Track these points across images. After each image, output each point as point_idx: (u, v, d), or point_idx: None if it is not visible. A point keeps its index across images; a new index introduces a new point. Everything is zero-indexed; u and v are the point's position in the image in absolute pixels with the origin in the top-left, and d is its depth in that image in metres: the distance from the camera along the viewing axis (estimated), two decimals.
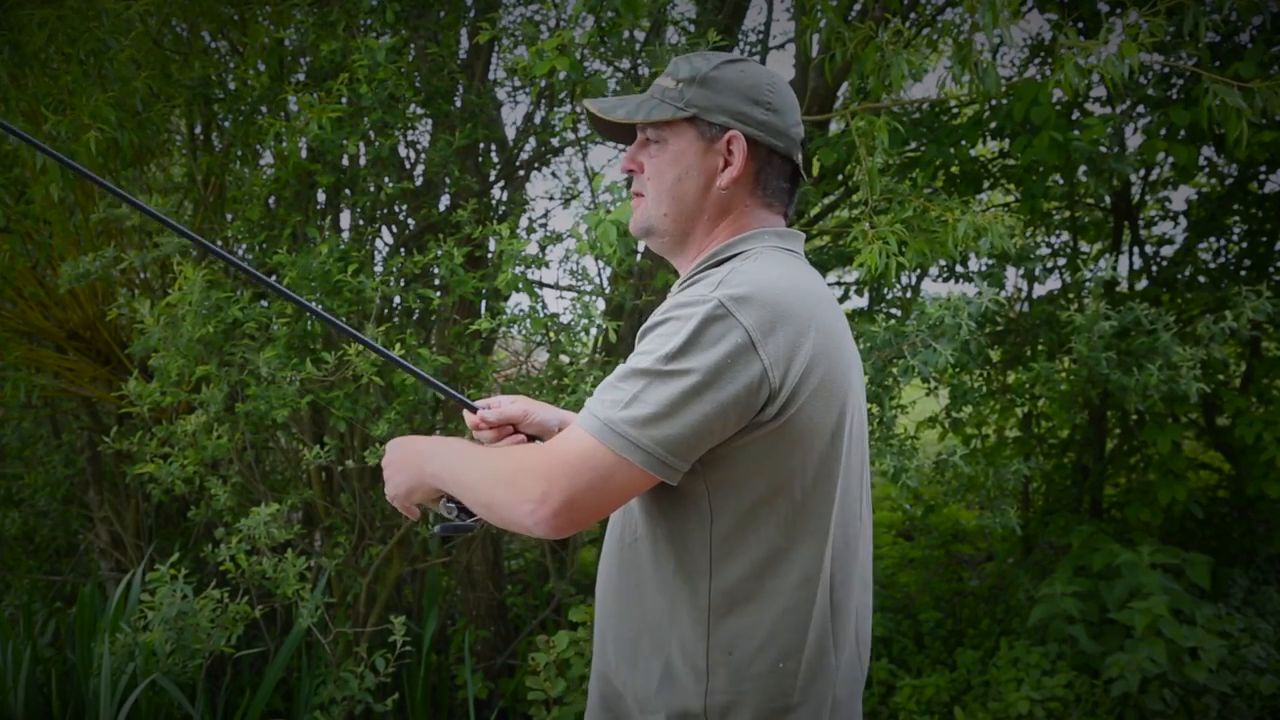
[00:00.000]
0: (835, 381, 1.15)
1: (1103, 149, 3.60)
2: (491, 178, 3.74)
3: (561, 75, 2.67)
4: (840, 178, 4.03)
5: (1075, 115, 3.64)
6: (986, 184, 4.36)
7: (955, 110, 4.10)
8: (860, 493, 1.25)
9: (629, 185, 1.42)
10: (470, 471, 1.21)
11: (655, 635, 1.20)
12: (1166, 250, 4.83)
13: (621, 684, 1.25)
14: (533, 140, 3.82)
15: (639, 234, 1.33)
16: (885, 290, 4.31)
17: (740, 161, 1.24)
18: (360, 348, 2.65)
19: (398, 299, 3.31)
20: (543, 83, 3.09)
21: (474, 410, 1.43)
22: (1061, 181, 4.23)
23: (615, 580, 1.27)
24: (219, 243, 3.62)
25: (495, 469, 1.18)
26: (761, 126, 1.24)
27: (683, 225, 1.28)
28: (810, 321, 1.13)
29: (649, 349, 1.12)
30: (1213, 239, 4.61)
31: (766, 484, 1.14)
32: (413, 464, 1.29)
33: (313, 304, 1.63)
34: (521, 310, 3.02)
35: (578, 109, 3.38)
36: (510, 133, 3.84)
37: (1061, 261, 4.47)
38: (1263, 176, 4.39)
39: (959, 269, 4.06)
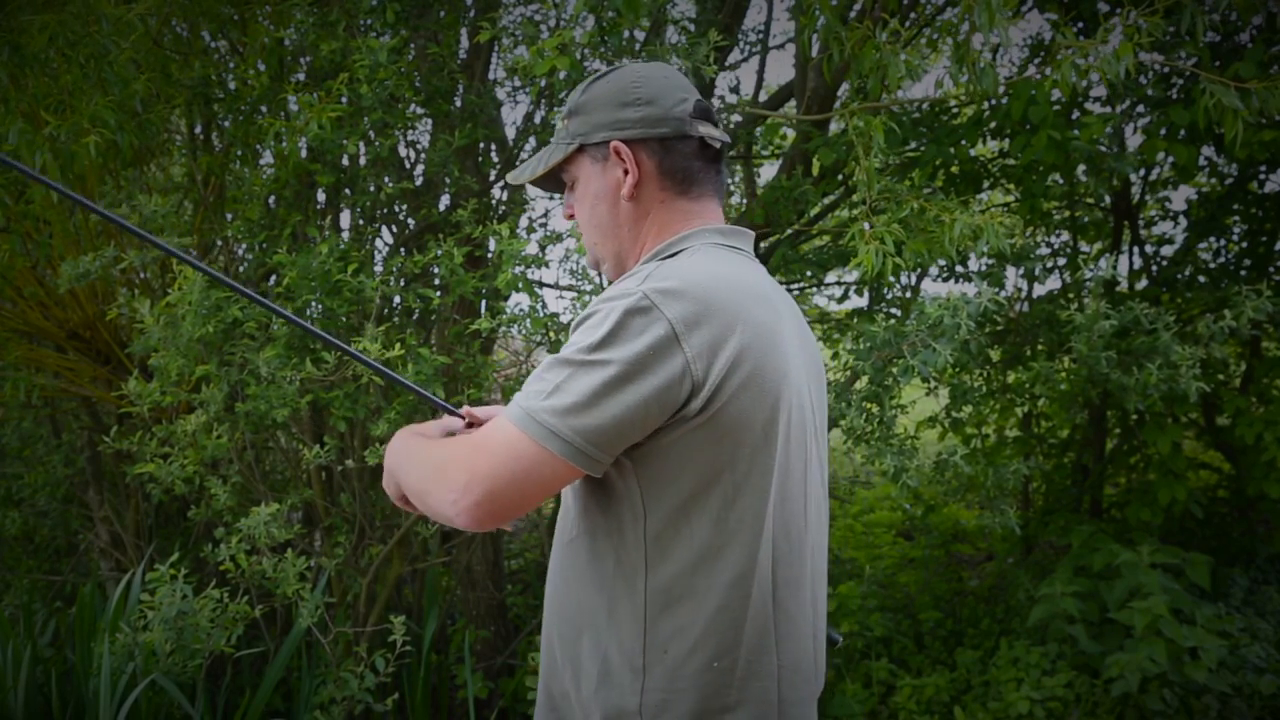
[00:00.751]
0: (767, 378, 1.14)
1: (1102, 148, 3.60)
2: (491, 177, 3.74)
3: (562, 75, 2.68)
4: (840, 177, 4.03)
5: (1075, 115, 3.65)
6: (986, 184, 4.36)
7: (955, 110, 4.10)
8: (803, 492, 1.22)
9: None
10: (411, 463, 1.23)
11: (594, 634, 1.20)
12: (1166, 250, 4.83)
13: (564, 684, 1.25)
14: (533, 140, 3.82)
15: (594, 269, 1.39)
16: (885, 290, 4.30)
17: (632, 165, 1.25)
18: (360, 349, 2.65)
19: (398, 299, 3.31)
20: (543, 82, 3.09)
21: (461, 418, 1.44)
22: (1061, 181, 4.23)
23: (558, 580, 1.28)
24: (219, 242, 3.63)
25: (430, 459, 1.20)
26: (638, 124, 1.25)
27: (613, 246, 1.32)
28: (739, 316, 1.13)
29: (575, 340, 1.13)
30: (1213, 239, 4.61)
31: (696, 480, 1.14)
32: (387, 461, 1.33)
33: (288, 311, 1.63)
34: (521, 310, 3.02)
35: None
36: (510, 133, 3.84)
37: (1061, 261, 4.47)
38: (1263, 176, 4.39)
39: (959, 269, 4.05)
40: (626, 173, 1.26)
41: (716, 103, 4.39)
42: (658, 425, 1.12)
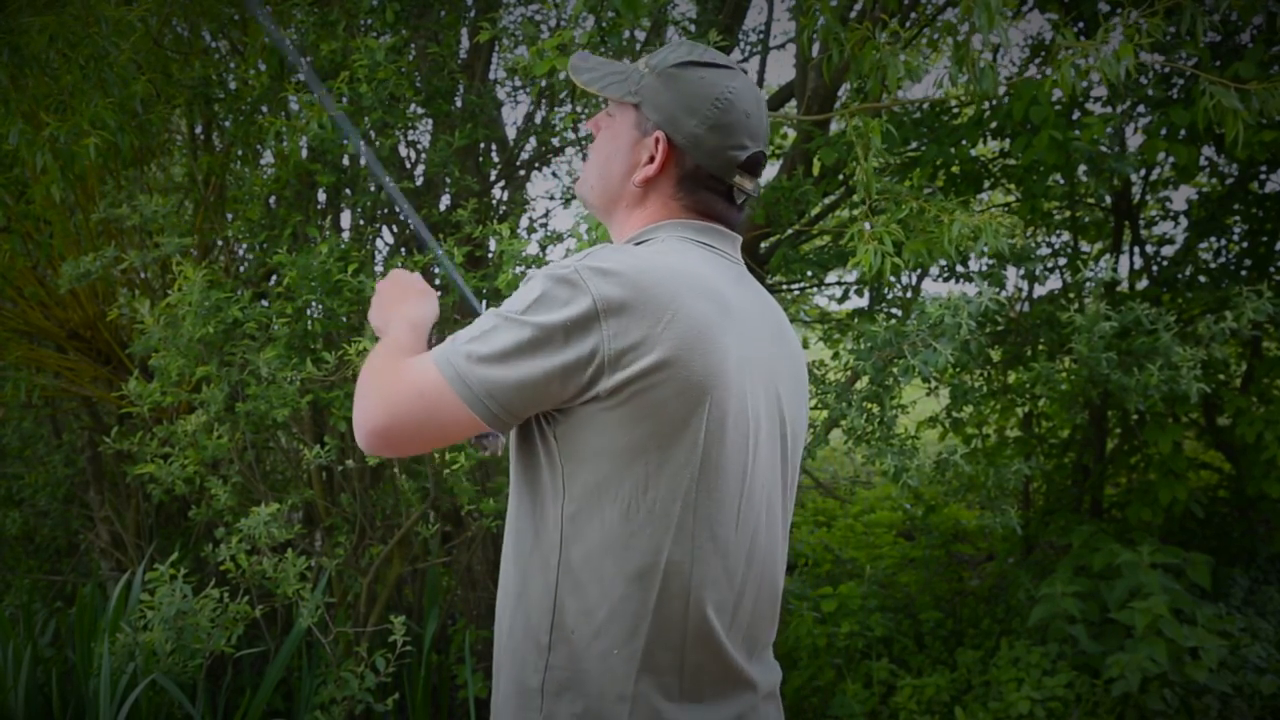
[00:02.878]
0: (693, 373, 1.11)
1: (1103, 149, 3.60)
2: (492, 177, 3.75)
3: (562, 75, 2.68)
4: (840, 177, 4.03)
5: (1075, 115, 3.64)
6: (987, 184, 4.36)
7: (955, 110, 4.10)
8: (741, 495, 1.19)
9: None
10: (361, 372, 1.26)
11: (513, 609, 1.21)
12: (1167, 250, 4.83)
13: (498, 658, 1.26)
14: (533, 140, 3.82)
15: (579, 197, 1.39)
16: (885, 290, 4.30)
17: (659, 162, 1.24)
18: (360, 349, 2.65)
19: None
20: (543, 83, 3.09)
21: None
22: (1062, 181, 4.23)
23: (503, 554, 1.30)
24: (220, 242, 3.63)
25: (365, 372, 1.23)
26: (689, 138, 1.23)
27: (605, 202, 1.32)
28: (670, 307, 1.11)
29: (508, 301, 1.16)
30: (1213, 239, 4.61)
31: (610, 464, 1.13)
32: (375, 315, 1.46)
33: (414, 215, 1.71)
34: None
35: (578, 109, 3.38)
36: (510, 133, 3.84)
37: (1062, 261, 4.47)
38: (1263, 176, 4.39)
39: (959, 269, 4.05)
40: (651, 160, 1.25)
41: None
42: (565, 398, 1.12)
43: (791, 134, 4.67)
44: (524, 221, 3.73)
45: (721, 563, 1.18)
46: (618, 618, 1.15)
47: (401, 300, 1.44)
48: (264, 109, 3.26)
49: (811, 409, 3.27)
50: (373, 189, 3.33)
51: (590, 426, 1.13)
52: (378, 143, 3.14)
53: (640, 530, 1.14)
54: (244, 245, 3.50)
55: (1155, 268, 4.66)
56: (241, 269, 3.59)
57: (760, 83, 4.72)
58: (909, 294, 4.41)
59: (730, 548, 1.19)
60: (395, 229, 3.69)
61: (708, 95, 1.23)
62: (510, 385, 1.11)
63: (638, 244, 1.24)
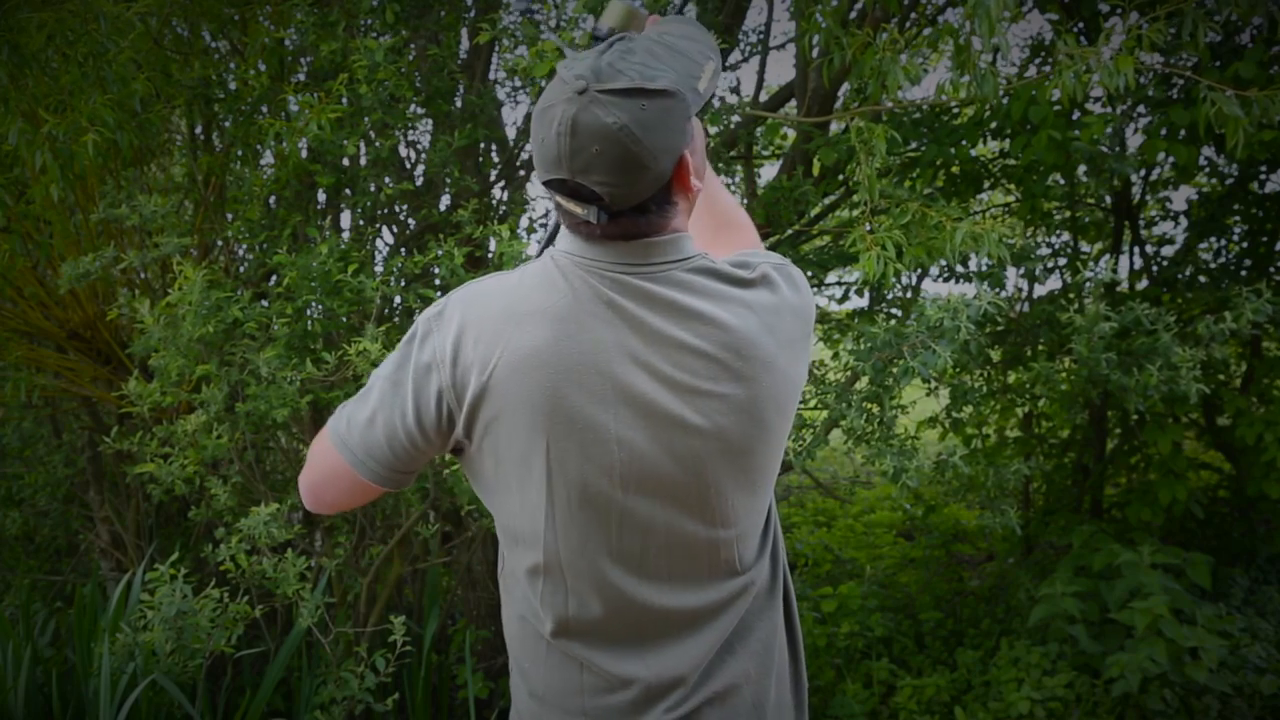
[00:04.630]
0: (519, 410, 1.12)
1: (1103, 149, 3.60)
2: (492, 178, 3.74)
3: None
4: (841, 177, 4.03)
5: (1075, 115, 3.64)
6: (987, 184, 4.36)
7: (955, 110, 4.11)
8: (609, 526, 1.15)
9: None
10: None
11: None
12: (1167, 250, 4.84)
13: None
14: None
15: None
16: (886, 291, 4.31)
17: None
18: (359, 348, 2.65)
19: (398, 299, 3.31)
20: (543, 83, 3.09)
21: None
22: (1062, 181, 4.23)
23: None
24: (220, 243, 3.62)
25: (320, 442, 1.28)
26: (547, 173, 1.14)
27: None
28: (502, 336, 1.13)
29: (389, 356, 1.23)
30: (1213, 239, 4.61)
31: (484, 493, 1.23)
32: None
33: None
34: None
35: None
36: (510, 133, 3.84)
37: (1062, 261, 4.47)
38: (1263, 176, 4.39)
39: (959, 269, 4.06)
40: None
41: (716, 103, 4.38)
42: (441, 445, 1.19)
43: (791, 134, 4.67)
44: (524, 222, 3.73)
45: (600, 605, 1.19)
46: (513, 635, 1.28)
47: None
48: (264, 109, 3.26)
49: (811, 409, 3.27)
50: (373, 189, 3.32)
51: (467, 461, 1.22)
52: (377, 143, 3.14)
53: (511, 555, 1.24)
54: (244, 245, 3.49)
55: (1155, 268, 4.66)
56: (241, 269, 3.59)
57: (760, 83, 4.72)
58: (909, 294, 4.41)
59: (610, 587, 1.18)
60: (395, 229, 3.69)
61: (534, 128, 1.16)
62: (381, 443, 1.18)
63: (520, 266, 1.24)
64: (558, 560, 1.17)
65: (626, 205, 1.12)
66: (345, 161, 3.31)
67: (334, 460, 1.21)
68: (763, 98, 4.59)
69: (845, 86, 3.80)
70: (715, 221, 1.45)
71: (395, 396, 1.17)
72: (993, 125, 3.78)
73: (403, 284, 3.16)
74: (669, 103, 1.10)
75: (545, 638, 1.22)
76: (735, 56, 4.64)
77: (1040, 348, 3.99)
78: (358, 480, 1.21)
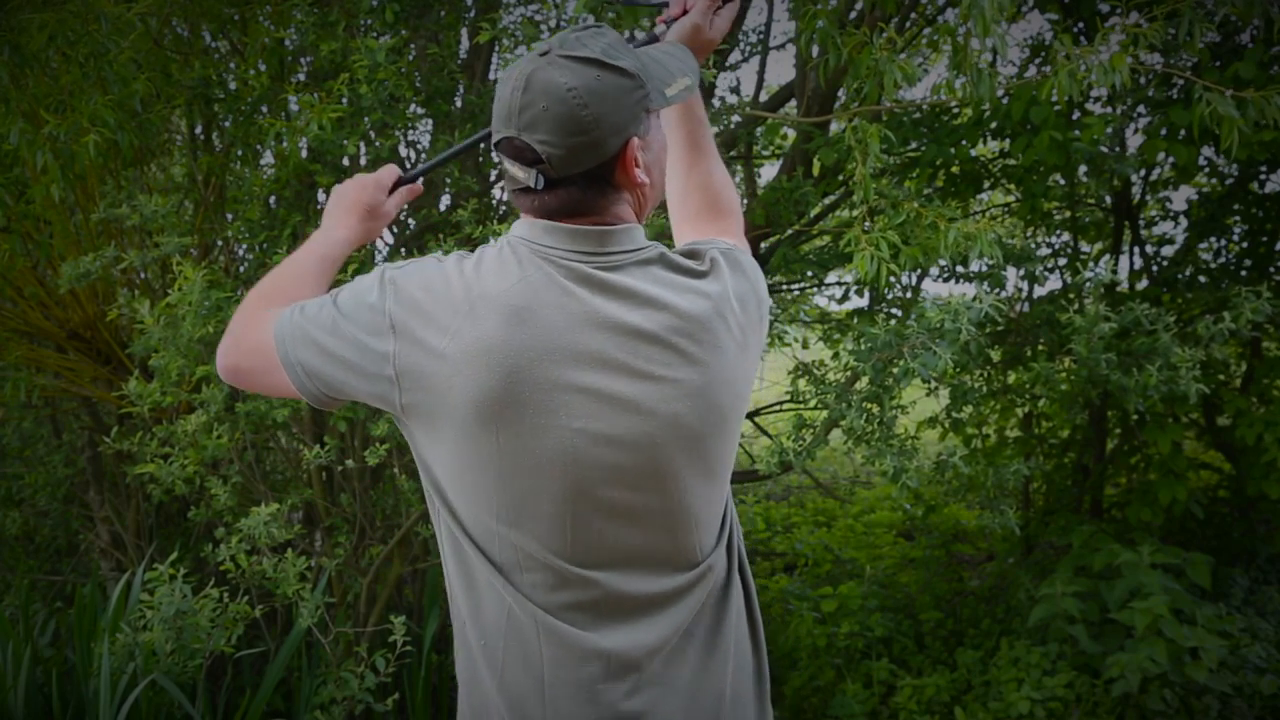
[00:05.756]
0: (471, 396, 1.11)
1: (1103, 149, 3.60)
2: (492, 178, 3.74)
3: None
4: (840, 177, 4.03)
5: (1075, 115, 3.65)
6: (987, 184, 4.36)
7: (955, 110, 4.11)
8: (563, 522, 1.15)
9: None
10: (254, 289, 1.32)
11: None
12: (1167, 250, 4.84)
13: None
14: None
15: None
16: (885, 291, 4.31)
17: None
18: None
19: None
20: None
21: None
22: (1062, 182, 4.23)
23: None
24: (220, 243, 3.63)
25: (248, 300, 1.29)
26: (497, 131, 1.18)
27: None
28: (455, 321, 1.12)
29: (347, 285, 1.21)
30: (1213, 239, 4.61)
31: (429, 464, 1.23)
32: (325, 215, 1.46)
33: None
34: None
35: None
36: None
37: (1062, 262, 4.47)
38: (1263, 176, 4.39)
39: (959, 269, 4.06)
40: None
41: (716, 103, 4.39)
42: (371, 398, 1.17)
43: (791, 134, 4.67)
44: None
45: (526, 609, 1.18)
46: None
47: (340, 214, 1.45)
48: (264, 109, 3.26)
49: (811, 409, 3.27)
50: None
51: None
52: (377, 143, 3.14)
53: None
54: (244, 245, 3.49)
55: (1155, 268, 4.67)
56: (241, 269, 3.59)
57: (760, 83, 4.72)
58: (909, 294, 4.41)
59: (562, 584, 1.17)
60: (395, 229, 3.69)
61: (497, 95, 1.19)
62: (319, 368, 1.17)
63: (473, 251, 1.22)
64: (512, 548, 1.16)
65: (565, 172, 1.14)
66: (345, 161, 3.31)
67: (268, 357, 1.20)
68: (763, 98, 4.59)
69: (845, 87, 3.80)
70: (705, 201, 1.47)
71: (339, 333, 1.15)
72: (993, 125, 3.78)
73: None
74: (625, 82, 1.13)
75: (506, 619, 1.18)
76: (735, 56, 4.64)
77: (1040, 348, 3.99)
78: (286, 383, 1.20)
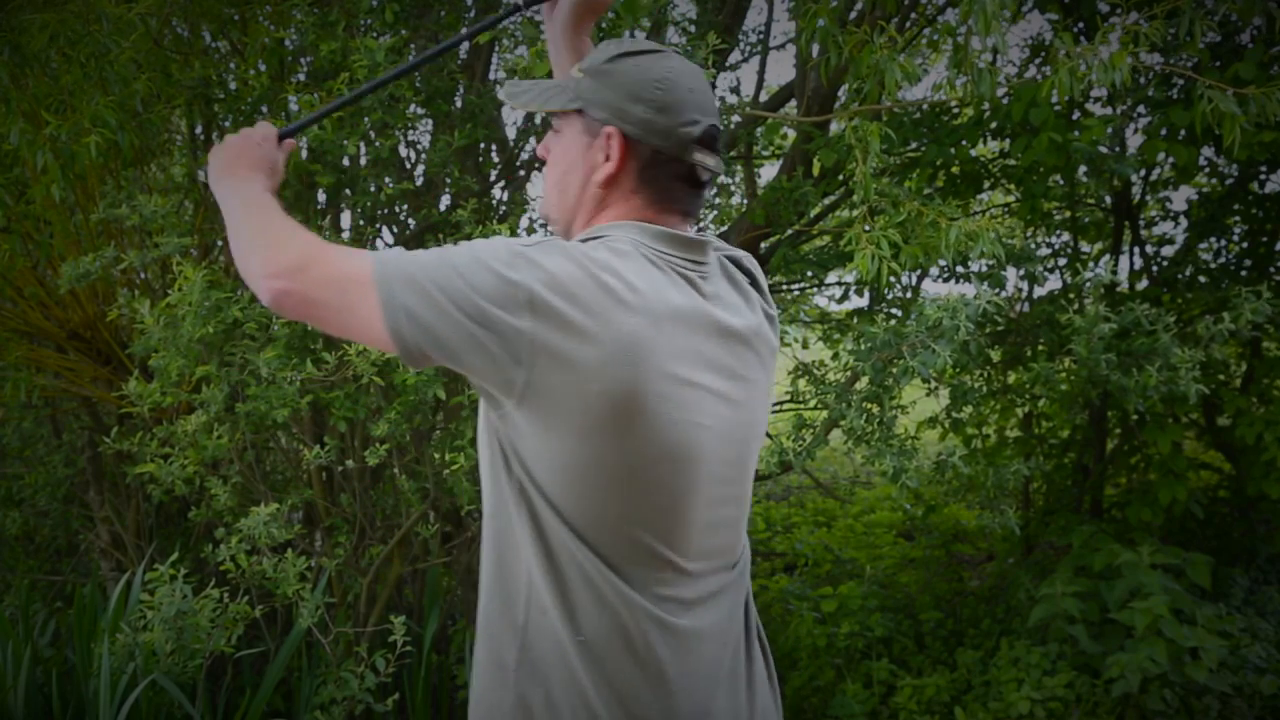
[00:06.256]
0: (618, 384, 1.12)
1: (1103, 149, 3.60)
2: (492, 178, 3.75)
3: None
4: (841, 177, 4.03)
5: (1075, 116, 3.65)
6: (987, 184, 4.36)
7: (955, 110, 4.11)
8: (676, 516, 1.18)
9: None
10: (248, 208, 1.25)
11: None
12: (1167, 250, 4.84)
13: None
14: (533, 140, 3.82)
15: (544, 219, 1.36)
16: (885, 290, 4.31)
17: (617, 159, 1.21)
18: (359, 349, 2.65)
19: None
20: None
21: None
22: (1062, 182, 4.23)
23: None
24: (219, 243, 3.63)
25: (271, 221, 1.21)
26: (640, 124, 1.20)
27: (566, 216, 1.29)
28: (605, 312, 1.10)
29: (468, 245, 1.13)
30: (1213, 239, 4.61)
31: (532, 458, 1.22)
32: (218, 171, 1.38)
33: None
34: None
35: None
36: (510, 133, 3.84)
37: (1062, 262, 4.47)
38: (1263, 176, 4.39)
39: (959, 269, 4.06)
40: (607, 159, 1.22)
41: (716, 103, 4.38)
42: (484, 371, 1.10)
43: (791, 134, 4.67)
44: (524, 221, 3.73)
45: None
46: None
47: (248, 170, 1.39)
48: (264, 109, 3.26)
49: (811, 409, 3.27)
50: (373, 189, 3.33)
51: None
52: (377, 143, 3.14)
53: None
54: None
55: (1155, 268, 4.67)
56: None
57: (760, 83, 4.72)
58: (909, 294, 4.41)
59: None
60: (395, 229, 3.69)
61: (647, 79, 1.21)
62: (428, 322, 1.08)
63: (585, 240, 1.20)
64: (628, 542, 1.16)
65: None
66: (345, 161, 3.31)
67: (355, 293, 1.09)
68: (763, 98, 4.59)
69: (846, 86, 3.80)
70: None
71: (458, 294, 1.08)
72: (993, 125, 3.78)
73: None
74: None
75: (611, 614, 1.15)
76: (735, 56, 4.64)
77: (1040, 348, 3.99)
78: (378, 329, 1.09)
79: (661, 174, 1.22)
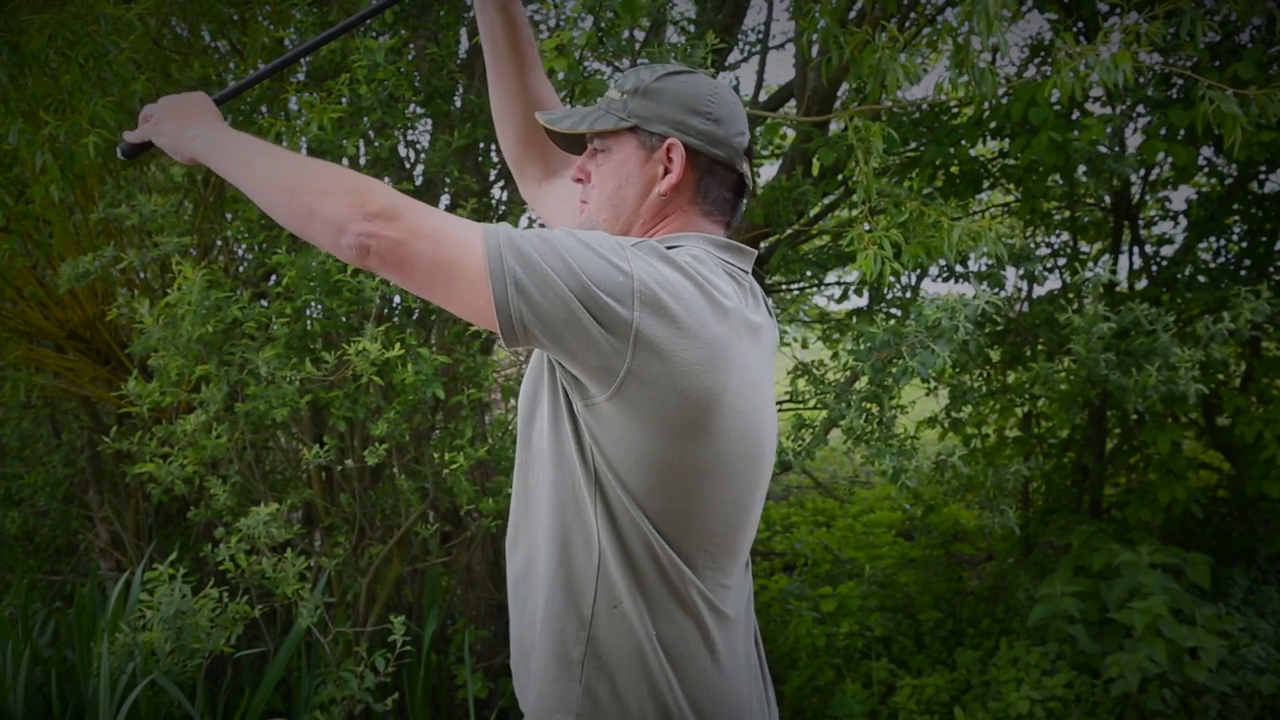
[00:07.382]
0: (701, 388, 1.17)
1: (1102, 149, 3.60)
2: (491, 178, 3.75)
3: (560, 76, 2.68)
4: (840, 177, 4.03)
5: (1075, 115, 3.64)
6: (986, 184, 4.36)
7: (955, 110, 4.11)
8: (735, 519, 1.26)
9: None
10: (286, 164, 1.18)
11: None
12: (1166, 250, 4.84)
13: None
14: None
15: None
16: (885, 290, 4.31)
17: (679, 169, 1.26)
18: (358, 348, 2.65)
19: (397, 298, 3.31)
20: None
21: None
22: (1061, 182, 4.23)
23: None
24: (219, 242, 3.63)
25: (325, 165, 1.17)
26: (701, 135, 1.26)
27: (620, 230, 1.31)
28: (700, 317, 1.15)
29: (582, 234, 1.14)
30: (1213, 239, 4.61)
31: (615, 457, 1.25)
32: (180, 123, 1.35)
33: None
34: None
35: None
36: None
37: (1061, 262, 4.47)
38: (1263, 176, 4.39)
39: (959, 269, 4.06)
40: (667, 172, 1.27)
41: None
42: (583, 356, 1.11)
43: (791, 134, 4.67)
44: (523, 221, 3.73)
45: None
46: None
47: (210, 115, 1.37)
48: (263, 109, 3.26)
49: (811, 409, 3.27)
50: None
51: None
52: (377, 143, 3.14)
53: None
54: (243, 245, 3.50)
55: (1155, 268, 4.67)
56: (241, 269, 3.59)
57: (760, 83, 4.72)
58: (908, 294, 4.41)
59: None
60: None
61: (700, 94, 1.27)
62: (535, 293, 1.08)
63: (670, 248, 1.23)
64: (704, 537, 1.21)
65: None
66: (345, 161, 3.31)
67: (460, 252, 1.07)
68: (762, 97, 4.59)
69: (845, 86, 3.80)
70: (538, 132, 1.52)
71: (571, 275, 1.08)
72: (992, 125, 3.78)
73: None
74: None
75: (688, 610, 1.20)
76: (735, 56, 4.64)
77: (1040, 348, 3.99)
78: (482, 296, 1.07)
79: (715, 184, 1.29)
